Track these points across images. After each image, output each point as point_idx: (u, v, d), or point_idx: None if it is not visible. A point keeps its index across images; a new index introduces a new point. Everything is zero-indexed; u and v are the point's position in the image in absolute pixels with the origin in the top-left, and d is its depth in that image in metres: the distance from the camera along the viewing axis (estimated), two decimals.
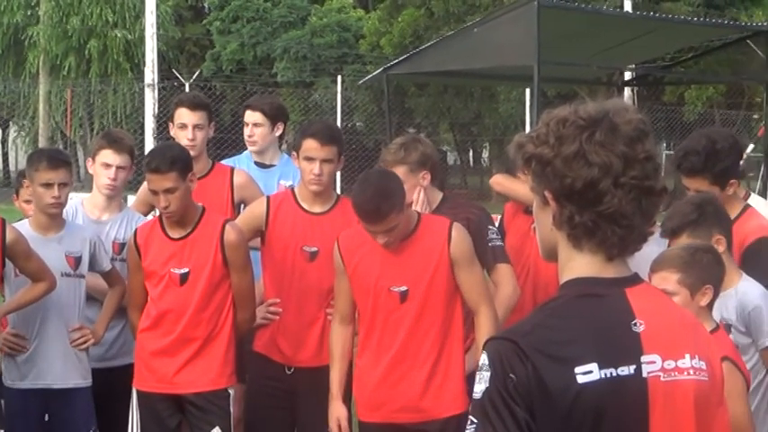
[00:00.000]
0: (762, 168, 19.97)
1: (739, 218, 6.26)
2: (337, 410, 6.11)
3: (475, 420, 2.71)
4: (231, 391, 6.52)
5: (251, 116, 7.93)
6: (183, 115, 7.27)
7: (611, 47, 15.81)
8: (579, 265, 2.85)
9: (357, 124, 40.70)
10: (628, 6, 20.83)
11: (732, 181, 6.26)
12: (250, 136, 7.91)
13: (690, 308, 5.24)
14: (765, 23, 24.37)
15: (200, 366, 6.47)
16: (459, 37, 15.73)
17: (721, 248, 5.60)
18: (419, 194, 6.30)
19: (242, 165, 7.90)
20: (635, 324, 2.81)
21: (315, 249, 6.53)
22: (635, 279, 2.90)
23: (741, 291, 5.47)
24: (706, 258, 5.32)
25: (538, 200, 2.89)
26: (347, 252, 6.00)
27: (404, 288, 5.88)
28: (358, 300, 6.02)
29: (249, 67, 42.44)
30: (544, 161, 2.82)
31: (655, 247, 5.07)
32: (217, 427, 6.42)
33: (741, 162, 7.02)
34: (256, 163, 7.97)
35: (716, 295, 5.29)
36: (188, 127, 7.24)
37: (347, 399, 6.19)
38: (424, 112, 41.35)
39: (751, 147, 24.30)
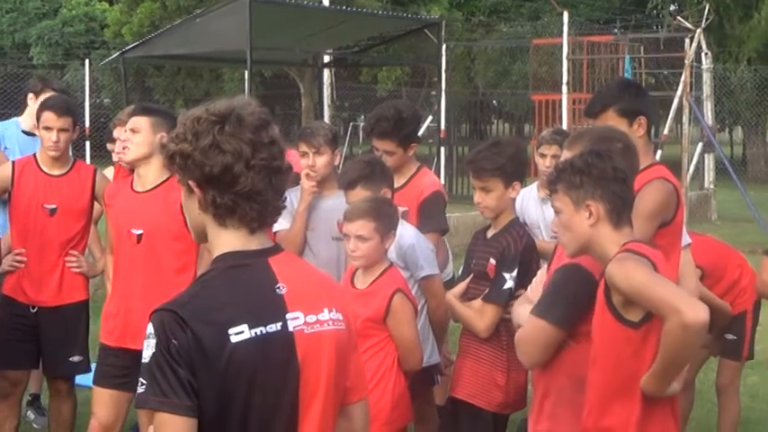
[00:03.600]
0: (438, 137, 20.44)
1: (416, 175, 6.37)
2: None
3: (144, 382, 2.70)
4: None
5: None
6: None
7: (312, 34, 15.90)
8: (226, 241, 2.86)
9: (105, 101, 40.12)
10: (326, 1, 20.97)
11: (413, 144, 6.34)
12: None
13: (377, 252, 5.29)
14: (438, 17, 24.94)
15: None
16: (185, 25, 15.59)
17: None
18: None
19: (9, 130, 7.79)
20: (278, 287, 2.83)
21: (54, 206, 6.40)
22: (276, 249, 2.92)
23: (398, 233, 5.55)
24: (390, 210, 5.40)
25: (184, 190, 2.88)
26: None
27: (140, 231, 5.79)
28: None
29: (9, 51, 41.35)
30: (185, 155, 2.81)
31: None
32: None
33: (422, 129, 7.18)
34: (24, 131, 7.77)
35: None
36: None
37: None
38: (162, 91, 40.88)
39: (430, 118, 24.84)
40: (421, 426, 6.05)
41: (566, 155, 4.36)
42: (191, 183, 2.83)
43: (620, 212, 3.91)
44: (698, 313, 3.55)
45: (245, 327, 2.72)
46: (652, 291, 3.62)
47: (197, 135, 2.81)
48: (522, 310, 4.37)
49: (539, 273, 4.64)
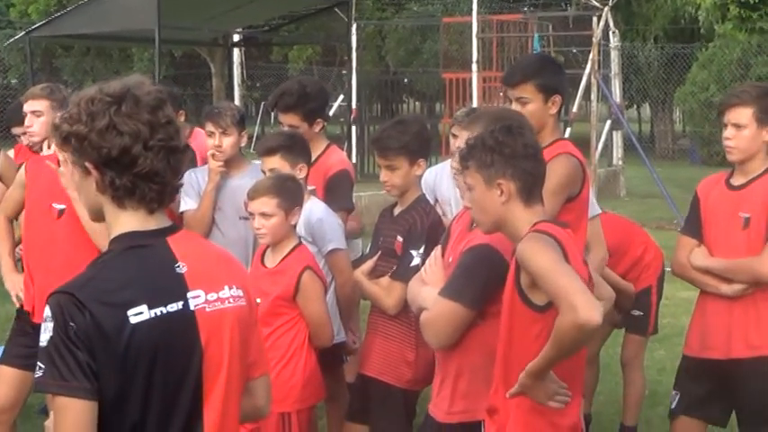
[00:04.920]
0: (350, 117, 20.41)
1: (324, 153, 6.36)
2: (12, 279, 6.04)
3: (43, 366, 2.65)
4: None
5: None
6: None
7: (222, 13, 15.75)
8: (124, 221, 2.83)
9: (12, 81, 39.52)
10: None
11: (318, 120, 6.32)
12: None
13: (282, 228, 5.30)
14: None
15: None
16: (93, 4, 15.27)
17: (302, 175, 5.68)
18: None
19: None
20: (178, 266, 2.81)
21: None
22: (174, 228, 2.90)
23: (307, 208, 5.56)
24: (293, 185, 5.40)
25: (80, 171, 2.82)
26: None
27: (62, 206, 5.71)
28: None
29: None
30: (81, 137, 2.76)
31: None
32: None
33: (332, 108, 7.20)
34: None
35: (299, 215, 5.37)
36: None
37: None
38: (70, 71, 40.34)
39: (341, 97, 24.78)
40: (331, 403, 6.06)
41: (463, 135, 4.37)
42: (87, 164, 2.79)
43: (531, 189, 3.91)
44: (592, 316, 3.50)
45: (144, 307, 2.69)
46: (554, 280, 3.59)
47: (92, 116, 2.75)
48: (427, 292, 4.36)
49: (432, 254, 4.64)
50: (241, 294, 2.91)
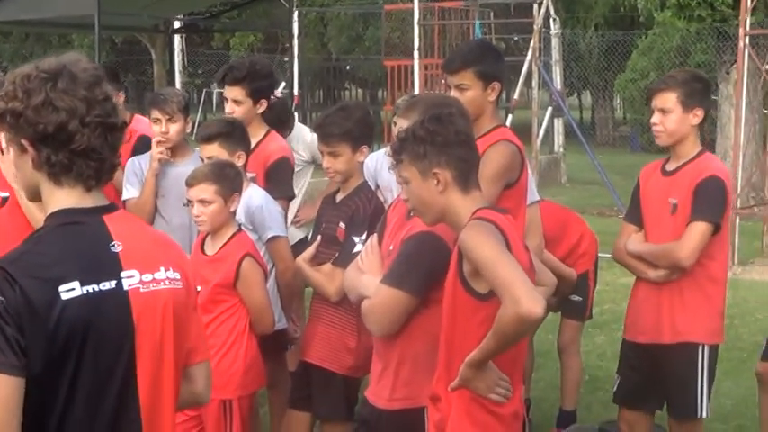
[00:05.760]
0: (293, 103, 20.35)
1: (264, 139, 6.36)
2: None
3: None
4: None
5: None
6: None
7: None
8: (60, 198, 2.80)
9: None
10: None
11: (263, 100, 6.33)
12: None
13: (221, 215, 5.28)
14: None
15: None
16: None
17: (240, 162, 5.68)
18: None
19: None
20: (113, 245, 2.78)
21: None
22: (111, 207, 2.87)
23: (246, 195, 5.56)
24: (232, 172, 5.39)
25: (16, 149, 2.79)
26: None
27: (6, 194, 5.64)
28: None
29: None
30: (16, 114, 2.73)
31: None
32: None
33: (278, 94, 7.21)
34: None
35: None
36: None
37: None
38: (9, 57, 39.93)
39: (283, 84, 24.72)
40: (273, 391, 6.06)
41: (401, 123, 4.38)
42: (24, 142, 2.75)
43: (467, 176, 3.91)
44: (534, 308, 3.50)
45: (76, 284, 2.66)
46: (496, 271, 3.59)
47: (28, 93, 2.72)
48: (367, 280, 4.35)
49: (368, 242, 4.65)
50: (177, 277, 2.88)
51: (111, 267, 2.75)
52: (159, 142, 6.06)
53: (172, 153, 6.09)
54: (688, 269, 5.37)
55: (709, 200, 5.36)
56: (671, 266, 5.41)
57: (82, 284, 2.67)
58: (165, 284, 2.84)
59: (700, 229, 5.32)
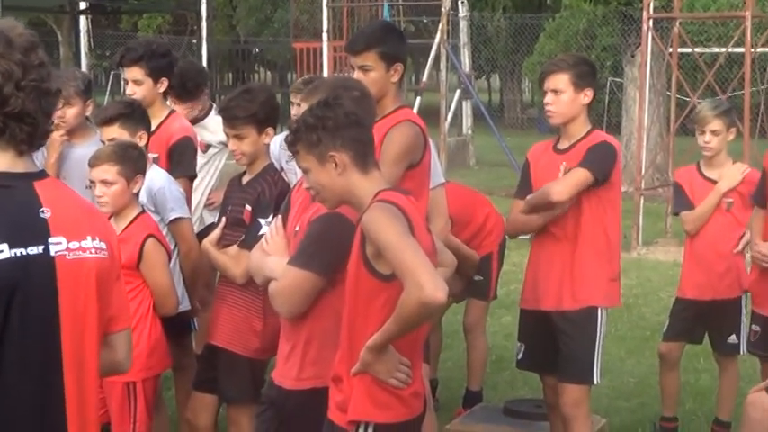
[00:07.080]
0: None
1: (166, 120, 6.35)
2: None
3: None
4: None
5: None
6: None
7: None
8: None
9: None
10: None
11: (163, 79, 6.30)
12: None
13: (124, 196, 5.25)
14: None
15: None
16: None
17: (142, 143, 5.65)
18: None
19: None
20: (42, 211, 2.78)
21: None
22: (42, 174, 2.87)
23: (148, 177, 5.52)
24: (135, 153, 5.37)
25: None
26: None
27: None
28: None
29: None
30: None
31: None
32: None
33: (202, 81, 7.21)
34: None
35: None
36: None
37: None
38: None
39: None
40: (179, 373, 6.04)
41: (306, 107, 4.38)
42: None
43: (364, 156, 3.92)
44: (437, 294, 3.53)
45: (4, 246, 2.67)
46: (399, 255, 3.60)
47: None
48: (274, 263, 4.34)
49: (272, 223, 4.65)
50: (104, 247, 2.89)
51: (40, 233, 2.76)
52: (57, 126, 6.00)
53: (70, 135, 6.07)
54: (558, 207, 5.52)
55: (596, 156, 5.54)
56: (548, 206, 5.55)
57: (10, 247, 2.68)
58: (90, 253, 2.84)
59: (578, 173, 5.49)
